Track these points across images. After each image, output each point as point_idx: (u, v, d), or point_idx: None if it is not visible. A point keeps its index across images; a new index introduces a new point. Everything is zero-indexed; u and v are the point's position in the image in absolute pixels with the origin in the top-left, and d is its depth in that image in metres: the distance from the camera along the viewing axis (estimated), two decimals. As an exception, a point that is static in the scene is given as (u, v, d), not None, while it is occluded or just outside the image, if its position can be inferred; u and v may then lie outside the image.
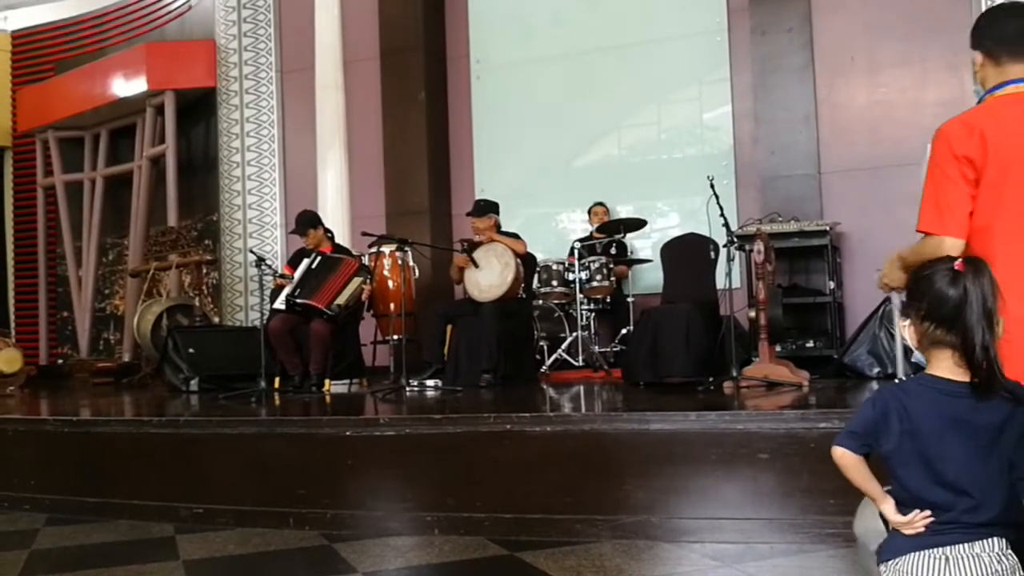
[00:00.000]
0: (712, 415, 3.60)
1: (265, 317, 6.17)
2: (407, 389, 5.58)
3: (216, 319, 8.89)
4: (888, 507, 1.72)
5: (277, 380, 6.10)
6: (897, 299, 1.82)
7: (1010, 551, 1.67)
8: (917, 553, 1.67)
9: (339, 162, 7.56)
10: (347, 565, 3.35)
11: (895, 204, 6.03)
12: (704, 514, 3.48)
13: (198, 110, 9.58)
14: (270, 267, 6.26)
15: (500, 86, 8.31)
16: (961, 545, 1.65)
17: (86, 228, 10.27)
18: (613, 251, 6.94)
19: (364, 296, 6.21)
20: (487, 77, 8.39)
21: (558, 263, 6.81)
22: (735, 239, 5.13)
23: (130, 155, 9.99)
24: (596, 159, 8.01)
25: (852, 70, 6.92)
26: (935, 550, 1.66)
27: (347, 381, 6.23)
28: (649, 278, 7.11)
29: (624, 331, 6.71)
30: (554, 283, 6.73)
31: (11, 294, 11.20)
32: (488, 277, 6.06)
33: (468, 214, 6.41)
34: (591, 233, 7.31)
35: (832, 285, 6.29)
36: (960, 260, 1.69)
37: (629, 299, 6.77)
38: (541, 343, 6.70)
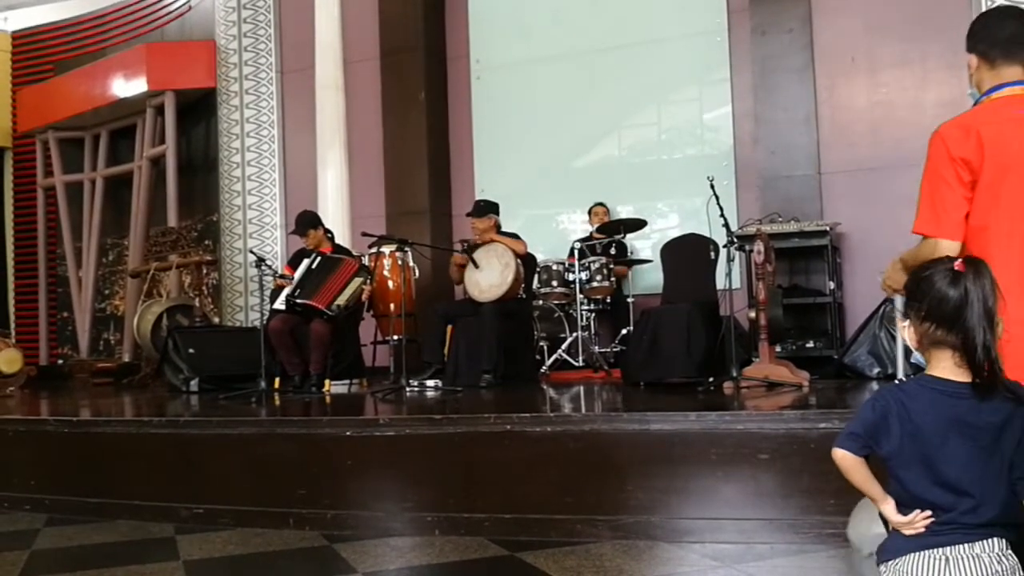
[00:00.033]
0: (712, 415, 3.61)
1: (265, 317, 6.17)
2: (407, 389, 5.59)
3: (216, 319, 8.89)
4: (888, 507, 1.72)
5: (277, 380, 6.10)
6: (899, 301, 1.82)
7: (1010, 551, 1.67)
8: (917, 553, 1.67)
9: (339, 162, 7.56)
10: (347, 565, 3.35)
11: (895, 204, 6.01)
12: (704, 514, 3.48)
13: (198, 110, 9.58)
14: (270, 267, 6.26)
15: (500, 86, 8.31)
16: (961, 546, 1.65)
17: (86, 228, 10.28)
18: (613, 251, 6.95)
19: (364, 296, 6.21)
20: (487, 77, 8.39)
21: (558, 263, 6.81)
22: (735, 239, 5.13)
23: (130, 155, 9.99)
24: (596, 159, 8.01)
25: (852, 70, 6.92)
26: (935, 550, 1.66)
27: (347, 381, 6.23)
28: (649, 278, 7.11)
29: (624, 331, 6.71)
30: (554, 283, 6.73)
31: (11, 294, 11.20)
32: (488, 277, 6.06)
33: (468, 214, 6.42)
34: (591, 233, 7.31)
35: (832, 285, 6.29)
36: (960, 260, 1.69)
37: (629, 299, 6.77)
38: (541, 343, 6.70)
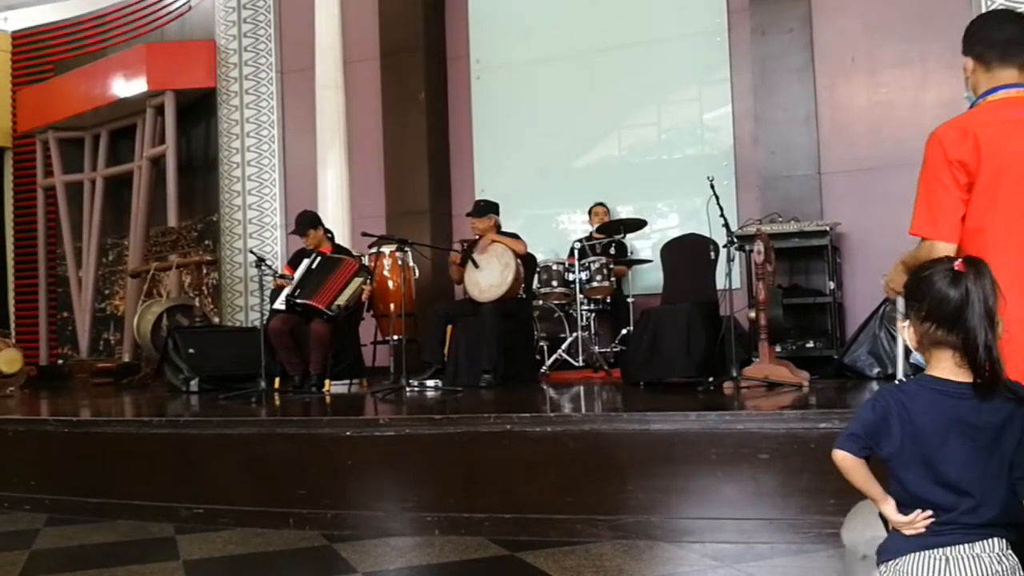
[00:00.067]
0: (712, 415, 3.61)
1: (265, 317, 6.17)
2: (407, 389, 5.59)
3: (216, 319, 8.89)
4: (889, 508, 1.72)
5: (277, 380, 6.10)
6: (901, 303, 1.83)
7: (1010, 551, 1.67)
8: (917, 554, 1.67)
9: (339, 162, 7.56)
10: (347, 565, 3.35)
11: (896, 204, 5.97)
12: (704, 514, 3.48)
13: (198, 110, 9.58)
14: (270, 267, 6.26)
15: (500, 86, 8.31)
16: (961, 546, 1.65)
17: (86, 228, 10.27)
18: (612, 251, 6.95)
19: (364, 296, 6.21)
20: (487, 77, 8.39)
21: (558, 263, 6.81)
22: (735, 239, 5.13)
23: (130, 155, 9.99)
24: (596, 159, 8.01)
25: (852, 70, 6.92)
26: (935, 551, 1.66)
27: (347, 381, 6.23)
28: (649, 278, 7.11)
29: (624, 331, 6.71)
30: (554, 283, 6.73)
31: (11, 294, 11.20)
32: (488, 277, 6.07)
33: (468, 214, 6.42)
34: (591, 233, 7.31)
35: (832, 285, 6.29)
36: (960, 260, 1.69)
37: (629, 299, 6.77)
38: (541, 343, 6.70)
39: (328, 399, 5.65)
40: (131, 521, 4.24)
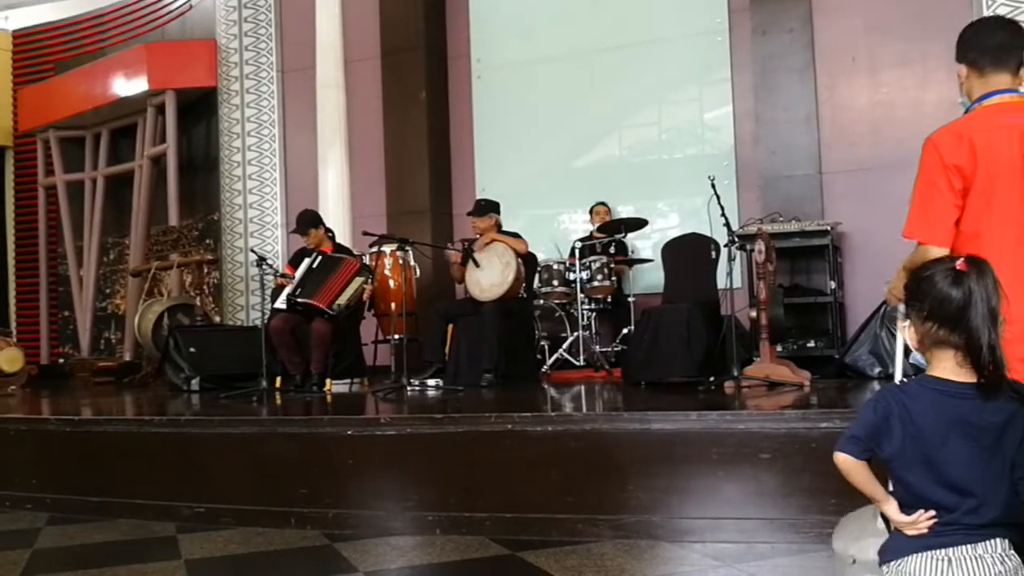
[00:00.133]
0: (713, 415, 3.61)
1: (266, 317, 6.17)
2: (408, 389, 5.58)
3: (217, 319, 8.89)
4: (891, 508, 1.72)
5: (278, 380, 6.11)
6: (903, 310, 1.83)
7: (1012, 551, 1.67)
8: (920, 554, 1.67)
9: (340, 161, 7.56)
10: (349, 565, 3.36)
11: (896, 204, 5.95)
12: (705, 514, 3.48)
13: (199, 110, 9.59)
14: (271, 267, 6.26)
15: (501, 86, 8.31)
16: (964, 546, 1.65)
17: (87, 227, 10.28)
18: (612, 251, 6.95)
19: (365, 296, 6.21)
20: (488, 77, 8.39)
21: (559, 263, 6.81)
22: (736, 239, 5.13)
23: (131, 154, 9.99)
24: (597, 159, 8.01)
25: (853, 70, 6.92)
26: (938, 551, 1.66)
27: (348, 380, 6.24)
28: (650, 278, 7.11)
29: (625, 331, 6.71)
30: (555, 283, 6.73)
31: (12, 293, 11.20)
32: (489, 276, 6.07)
33: (469, 213, 6.42)
34: (591, 233, 7.31)
35: (833, 285, 6.29)
36: (962, 260, 1.69)
37: (630, 299, 6.77)
38: (542, 343, 6.70)
39: (329, 398, 5.65)
40: (132, 520, 4.24)
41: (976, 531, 1.65)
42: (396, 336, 6.49)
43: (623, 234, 7.01)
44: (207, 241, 9.33)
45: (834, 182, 6.86)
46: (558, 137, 8.06)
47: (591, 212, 7.47)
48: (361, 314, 6.55)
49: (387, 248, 6.83)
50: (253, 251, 6.99)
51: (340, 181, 7.54)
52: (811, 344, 6.25)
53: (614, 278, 6.72)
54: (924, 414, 1.68)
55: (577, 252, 6.76)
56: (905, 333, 1.79)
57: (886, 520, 1.78)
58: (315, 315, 6.01)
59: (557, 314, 6.83)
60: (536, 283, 6.73)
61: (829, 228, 6.29)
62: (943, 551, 1.65)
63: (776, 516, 3.39)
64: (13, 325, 10.90)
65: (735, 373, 4.72)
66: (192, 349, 6.84)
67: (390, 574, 3.29)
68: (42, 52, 10.95)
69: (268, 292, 6.77)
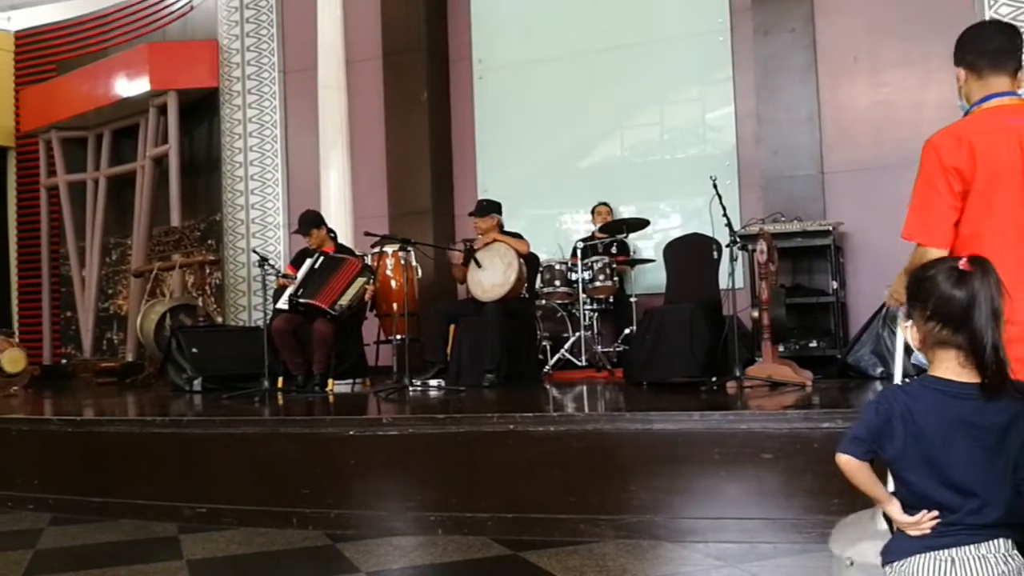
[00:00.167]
0: (715, 415, 3.61)
1: (268, 317, 6.17)
2: (410, 389, 5.58)
3: (219, 319, 8.90)
4: (894, 508, 1.72)
5: (280, 380, 6.11)
6: (904, 313, 1.84)
7: (1015, 551, 1.67)
8: (923, 555, 1.67)
9: (342, 162, 7.56)
10: (351, 565, 3.36)
11: (898, 204, 5.94)
12: (708, 514, 3.48)
13: (201, 110, 9.59)
14: (273, 267, 6.26)
15: (503, 86, 8.31)
16: (967, 547, 1.64)
17: (89, 228, 10.29)
18: (614, 251, 6.95)
19: (367, 296, 6.21)
20: (489, 77, 8.39)
21: (561, 263, 6.81)
22: (738, 239, 5.13)
23: (133, 155, 10.00)
24: (599, 159, 8.01)
25: (855, 70, 6.91)
26: (941, 551, 1.65)
27: (350, 381, 6.24)
28: (652, 278, 7.11)
29: (627, 331, 6.71)
30: (557, 283, 6.73)
31: (15, 294, 11.22)
32: (491, 277, 6.07)
33: (471, 214, 6.42)
34: (593, 233, 7.31)
35: (835, 285, 6.29)
36: (965, 260, 1.68)
37: (632, 299, 6.76)
38: (544, 343, 6.70)
39: (331, 399, 5.66)
40: (134, 520, 4.25)
41: (979, 531, 1.65)
42: (398, 336, 6.50)
43: (625, 234, 7.01)
44: (209, 242, 9.33)
45: (836, 182, 6.86)
46: (560, 137, 8.05)
47: (593, 212, 7.47)
48: (363, 314, 6.55)
49: (389, 248, 6.83)
50: (255, 252, 7.00)
51: (342, 182, 7.54)
52: (813, 344, 6.25)
53: (616, 278, 6.72)
54: (926, 415, 1.68)
55: (579, 252, 6.76)
56: (907, 333, 1.78)
57: (889, 521, 1.77)
58: (317, 315, 6.01)
59: (559, 314, 6.82)
60: (538, 283, 6.73)
61: (831, 228, 6.29)
62: (946, 551, 1.65)
63: (778, 516, 3.39)
64: (16, 326, 10.90)
65: (737, 373, 4.72)
66: (194, 350, 6.85)
67: (392, 574, 3.29)
68: (44, 53, 10.96)
69: (270, 293, 6.76)
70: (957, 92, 2.37)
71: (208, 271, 8.86)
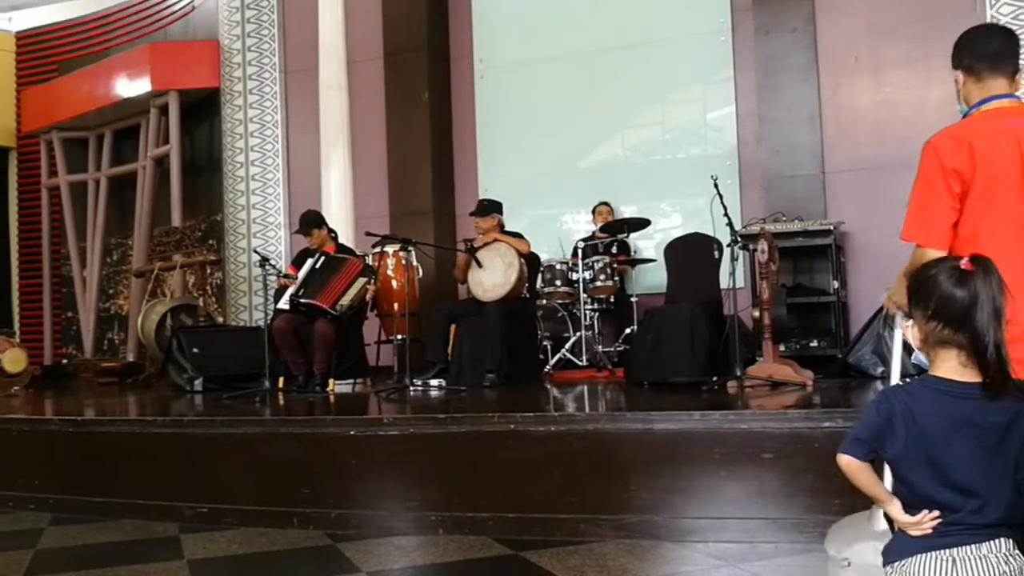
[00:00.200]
0: (716, 415, 3.60)
1: (269, 317, 6.18)
2: (411, 389, 5.58)
3: (220, 319, 8.90)
4: (895, 508, 1.72)
5: (281, 380, 6.12)
6: (901, 317, 1.84)
7: (1017, 551, 1.67)
8: (924, 555, 1.67)
9: (343, 162, 7.56)
10: (351, 565, 3.36)
11: (899, 204, 5.93)
12: (708, 514, 3.48)
13: (202, 110, 9.59)
14: (274, 267, 6.26)
15: (504, 86, 8.30)
16: (968, 547, 1.64)
17: (90, 228, 10.29)
18: (615, 251, 6.95)
19: (368, 296, 6.21)
20: (491, 77, 8.38)
21: (562, 263, 6.81)
22: (739, 239, 5.13)
23: (134, 155, 10.00)
24: (600, 159, 8.01)
25: (856, 70, 6.91)
26: (942, 551, 1.65)
27: (351, 381, 6.24)
28: (653, 278, 7.11)
29: (628, 331, 6.70)
30: (558, 283, 6.73)
31: (16, 294, 11.22)
32: (492, 277, 6.06)
33: (472, 214, 6.42)
34: (594, 233, 7.31)
35: (836, 285, 6.28)
36: (967, 260, 1.68)
37: (633, 299, 6.76)
38: (545, 343, 6.70)
39: (332, 399, 5.66)
40: (135, 520, 4.25)
41: (980, 531, 1.65)
42: (399, 336, 6.50)
43: (626, 234, 7.00)
44: (210, 242, 9.33)
45: (837, 182, 6.85)
46: (561, 137, 8.05)
47: (594, 212, 7.47)
48: (364, 314, 6.55)
49: (390, 248, 6.83)
50: (256, 252, 7.00)
51: (343, 182, 7.54)
52: (814, 344, 6.25)
53: (617, 278, 6.72)
54: (927, 414, 1.67)
55: (580, 252, 6.76)
56: (908, 333, 1.78)
57: (889, 521, 1.77)
58: (318, 315, 6.01)
59: (560, 314, 6.82)
60: (539, 283, 6.73)
61: (832, 228, 6.28)
62: (947, 551, 1.65)
63: (779, 516, 3.39)
64: (17, 326, 10.91)
65: (738, 373, 4.72)
66: (195, 350, 6.85)
67: (393, 574, 3.29)
68: (45, 53, 10.97)
69: (271, 293, 6.77)
70: (956, 95, 2.37)
71: (209, 271, 8.86)
